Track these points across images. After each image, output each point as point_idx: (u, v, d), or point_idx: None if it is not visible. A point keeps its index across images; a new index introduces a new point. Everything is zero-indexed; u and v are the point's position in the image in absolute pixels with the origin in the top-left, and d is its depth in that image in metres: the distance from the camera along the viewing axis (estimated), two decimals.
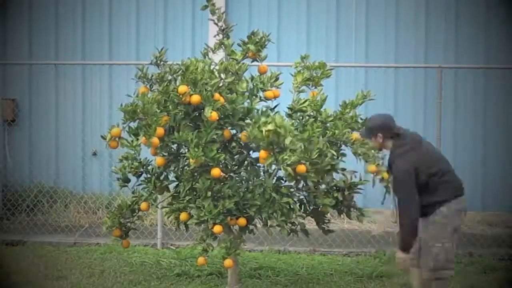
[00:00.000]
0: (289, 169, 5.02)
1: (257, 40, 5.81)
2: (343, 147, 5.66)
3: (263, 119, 5.17)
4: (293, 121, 5.54)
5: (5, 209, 8.95)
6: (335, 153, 5.41)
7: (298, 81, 5.69)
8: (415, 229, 5.03)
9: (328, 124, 5.57)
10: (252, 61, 5.96)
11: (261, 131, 5.05)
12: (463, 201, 5.13)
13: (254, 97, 5.68)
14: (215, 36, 5.98)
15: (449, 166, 5.24)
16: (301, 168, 5.08)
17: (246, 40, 5.86)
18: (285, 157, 5.02)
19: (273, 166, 5.66)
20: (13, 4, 9.86)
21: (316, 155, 5.16)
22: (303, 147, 5.14)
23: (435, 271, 5.04)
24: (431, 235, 5.04)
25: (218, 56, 5.99)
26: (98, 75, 9.60)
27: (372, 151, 5.31)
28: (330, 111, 5.68)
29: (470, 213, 8.87)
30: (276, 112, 5.58)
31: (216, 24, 5.93)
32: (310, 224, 6.53)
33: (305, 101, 5.56)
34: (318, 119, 5.60)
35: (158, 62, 5.80)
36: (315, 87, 5.77)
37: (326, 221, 5.94)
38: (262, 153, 5.20)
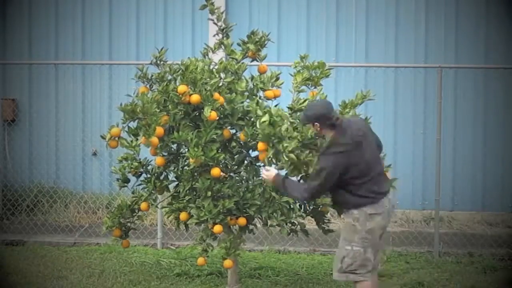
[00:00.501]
0: (291, 155, 5.02)
1: (257, 39, 5.81)
2: None
3: (258, 111, 5.18)
4: (293, 120, 5.53)
5: (5, 209, 8.95)
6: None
7: (298, 81, 5.69)
8: (287, 191, 5.11)
9: None
10: (252, 61, 5.96)
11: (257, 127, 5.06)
12: (380, 206, 4.93)
13: (253, 97, 5.68)
14: (214, 36, 5.98)
15: (379, 170, 5.03)
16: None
17: (246, 39, 5.86)
18: (285, 144, 5.02)
19: (273, 166, 5.67)
20: (13, 4, 9.86)
21: (311, 136, 5.12)
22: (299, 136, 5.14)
23: (341, 272, 4.99)
24: (342, 237, 5.02)
25: (218, 56, 5.99)
26: (98, 75, 9.59)
27: None
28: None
29: (470, 213, 8.95)
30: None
31: (216, 23, 5.93)
32: (310, 224, 6.53)
33: (305, 100, 5.56)
34: None
35: (158, 62, 5.80)
36: (315, 87, 5.78)
37: (326, 220, 5.94)
38: (260, 145, 5.16)
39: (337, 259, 5.03)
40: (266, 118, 5.09)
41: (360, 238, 4.90)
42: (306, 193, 5.00)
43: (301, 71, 5.72)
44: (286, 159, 5.06)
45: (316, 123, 4.95)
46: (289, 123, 5.13)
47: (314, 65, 5.75)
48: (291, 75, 5.78)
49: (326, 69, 5.76)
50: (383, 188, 5.01)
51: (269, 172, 5.18)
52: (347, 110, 5.70)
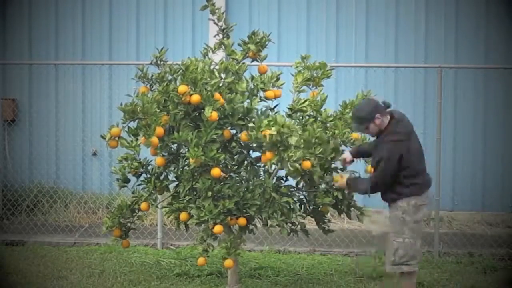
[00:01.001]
0: (296, 165, 5.03)
1: (258, 40, 5.81)
2: (343, 147, 5.66)
3: (265, 121, 5.14)
4: (293, 121, 5.53)
5: (5, 209, 8.95)
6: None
7: (298, 81, 5.69)
8: (363, 188, 5.28)
9: (328, 124, 5.58)
10: (252, 61, 5.96)
11: (265, 136, 5.04)
12: (425, 198, 5.20)
13: (254, 97, 5.67)
14: (215, 36, 5.97)
15: (424, 163, 5.29)
16: (307, 164, 5.11)
17: (247, 40, 5.85)
18: (291, 154, 5.03)
19: (273, 166, 5.67)
20: (13, 4, 9.86)
21: (319, 151, 5.17)
22: (303, 143, 5.15)
23: (394, 265, 5.17)
24: (393, 230, 5.18)
25: (218, 56, 5.99)
26: (98, 75, 9.60)
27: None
28: (330, 111, 5.68)
29: (470, 213, 8.95)
30: (275, 113, 5.58)
31: (216, 24, 5.92)
32: (310, 224, 6.53)
33: (305, 101, 5.56)
34: (318, 119, 5.60)
35: (158, 62, 5.80)
36: (316, 87, 5.77)
37: (326, 220, 5.94)
38: (268, 155, 5.15)
39: (389, 252, 5.19)
40: (274, 131, 5.03)
41: (409, 229, 5.11)
42: (370, 184, 5.18)
43: (302, 71, 5.72)
44: (291, 168, 5.06)
45: (377, 114, 5.12)
46: (298, 135, 5.11)
47: (315, 66, 5.76)
48: (292, 75, 5.78)
49: (327, 70, 5.76)
50: (427, 180, 5.26)
51: (342, 181, 5.40)
52: (347, 110, 5.71)
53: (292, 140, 5.04)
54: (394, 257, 5.15)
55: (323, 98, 5.71)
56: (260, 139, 5.09)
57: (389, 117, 5.22)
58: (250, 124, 5.30)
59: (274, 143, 5.07)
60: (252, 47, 5.79)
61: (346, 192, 5.59)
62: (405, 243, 5.12)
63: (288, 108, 5.67)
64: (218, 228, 5.44)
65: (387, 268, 5.25)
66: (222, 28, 5.93)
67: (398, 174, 5.09)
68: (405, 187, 5.11)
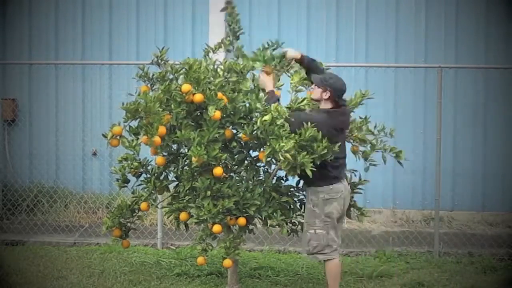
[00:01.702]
0: (287, 155, 5.04)
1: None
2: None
3: (258, 105, 5.37)
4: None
5: (5, 209, 8.95)
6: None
7: (295, 81, 5.69)
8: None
9: None
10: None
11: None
12: (335, 190, 5.38)
13: (256, 96, 5.66)
14: (226, 38, 5.99)
15: (343, 155, 5.45)
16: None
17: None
18: (282, 144, 5.04)
19: (273, 166, 5.67)
20: (13, 3, 9.86)
21: (308, 136, 5.17)
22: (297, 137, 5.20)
23: (310, 254, 5.46)
24: (305, 221, 5.48)
25: (217, 56, 5.99)
26: (98, 74, 9.59)
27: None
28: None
29: (470, 213, 8.95)
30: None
31: (229, 25, 5.95)
32: None
33: (303, 99, 5.55)
34: None
35: (159, 61, 5.80)
36: (313, 88, 5.77)
37: None
38: (263, 154, 5.27)
39: (304, 243, 5.52)
40: (268, 117, 5.15)
41: (320, 221, 5.38)
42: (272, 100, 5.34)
43: (299, 71, 5.72)
44: (282, 158, 5.08)
45: (330, 91, 5.33)
46: (283, 119, 5.21)
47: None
48: (288, 76, 5.77)
49: (325, 69, 5.76)
50: (339, 174, 5.45)
51: (263, 76, 5.55)
52: None
53: (279, 122, 5.15)
54: (308, 247, 5.44)
55: None
56: (254, 131, 5.22)
57: (332, 105, 5.40)
58: (246, 120, 5.36)
59: (267, 132, 5.18)
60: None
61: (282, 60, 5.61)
62: (317, 233, 5.39)
63: (287, 108, 5.66)
64: (217, 228, 5.44)
65: (305, 256, 5.64)
66: (235, 30, 5.95)
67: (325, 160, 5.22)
68: (319, 176, 5.27)
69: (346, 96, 5.77)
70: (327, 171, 5.34)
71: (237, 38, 5.96)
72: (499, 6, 9.09)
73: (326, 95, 5.37)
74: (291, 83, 5.71)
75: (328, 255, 5.42)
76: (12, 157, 9.61)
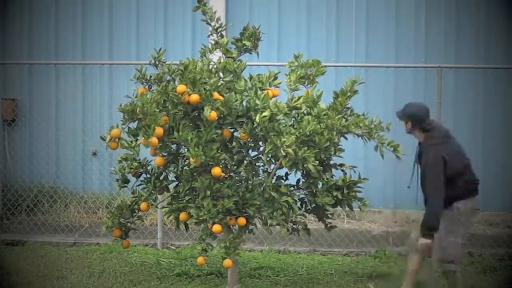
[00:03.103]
0: (289, 150, 5.04)
1: (249, 33, 5.83)
2: (342, 144, 5.65)
3: (257, 101, 5.32)
4: (287, 119, 5.51)
5: (5, 209, 8.95)
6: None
7: (292, 80, 5.68)
8: (438, 219, 5.22)
9: (321, 117, 5.53)
10: (248, 52, 5.96)
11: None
12: (478, 201, 5.37)
13: (255, 95, 5.65)
14: (209, 36, 6.00)
15: (470, 165, 5.48)
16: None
17: (239, 37, 5.88)
18: (283, 139, 5.04)
19: (272, 166, 5.67)
20: (13, 4, 9.86)
21: (310, 131, 5.18)
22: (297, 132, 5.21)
23: (443, 263, 5.28)
24: (445, 229, 5.24)
25: (216, 56, 6.00)
26: (98, 75, 9.60)
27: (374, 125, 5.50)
28: (324, 106, 5.64)
29: None
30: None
31: (209, 24, 5.94)
32: (310, 224, 6.54)
33: (299, 98, 5.54)
34: (313, 114, 5.56)
35: (156, 62, 5.80)
36: (310, 85, 5.76)
37: (330, 215, 5.91)
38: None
39: (438, 250, 5.30)
40: (267, 113, 5.18)
41: (462, 230, 5.31)
42: (433, 203, 5.29)
43: (295, 69, 5.71)
44: (284, 154, 5.07)
45: (409, 122, 5.40)
46: (282, 115, 5.22)
47: (309, 63, 5.74)
48: (285, 74, 5.77)
49: (321, 67, 5.75)
50: (477, 184, 5.45)
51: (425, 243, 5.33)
52: (339, 99, 5.67)
53: (278, 117, 5.17)
54: (444, 255, 5.29)
55: (319, 94, 5.68)
56: (254, 129, 5.20)
57: (424, 134, 5.43)
58: (245, 118, 5.36)
59: (266, 129, 5.16)
60: (247, 43, 5.81)
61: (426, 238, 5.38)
62: (456, 242, 5.31)
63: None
64: (216, 228, 5.44)
65: (434, 264, 5.44)
66: (216, 27, 5.94)
67: (453, 176, 5.27)
68: (461, 188, 5.32)
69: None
70: (467, 181, 5.37)
71: (221, 35, 5.95)
72: (499, 6, 9.08)
73: (409, 126, 5.47)
74: (287, 82, 5.70)
75: (458, 266, 5.34)
76: (12, 157, 9.61)
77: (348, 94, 5.69)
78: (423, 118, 5.40)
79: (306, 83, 5.76)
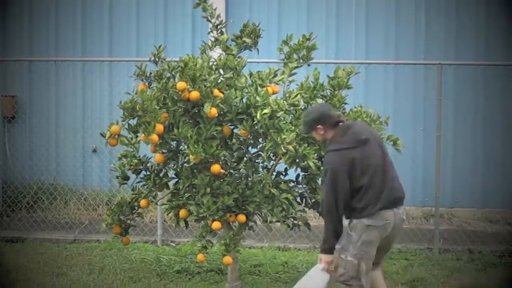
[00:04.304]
0: (290, 147, 5.04)
1: (249, 30, 5.83)
2: None
3: (258, 98, 5.28)
4: (286, 115, 5.50)
5: (5, 206, 8.96)
6: None
7: (286, 73, 5.69)
8: (337, 232, 4.68)
9: None
10: (248, 49, 5.96)
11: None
12: (381, 217, 4.60)
13: (255, 92, 5.65)
14: (209, 33, 6.00)
15: (386, 177, 4.62)
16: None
17: (239, 34, 5.88)
18: (283, 136, 5.04)
19: (272, 162, 5.67)
20: (13, 1, 9.85)
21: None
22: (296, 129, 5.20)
23: (336, 281, 4.65)
24: (341, 245, 4.64)
25: (216, 53, 6.00)
26: (98, 71, 9.60)
27: None
28: (320, 101, 5.63)
29: (470, 210, 8.95)
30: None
31: (209, 21, 5.94)
32: (310, 221, 6.52)
33: (296, 94, 5.53)
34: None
35: (156, 59, 5.80)
36: (308, 65, 5.75)
37: None
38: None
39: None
40: (268, 110, 5.15)
41: (358, 248, 4.59)
42: (324, 205, 4.65)
43: (287, 64, 5.70)
44: (284, 150, 5.08)
45: (318, 126, 4.68)
46: (282, 111, 5.20)
47: (300, 44, 5.75)
48: (282, 64, 5.76)
49: (312, 44, 5.75)
50: (390, 199, 4.63)
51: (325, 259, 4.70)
52: (335, 92, 5.67)
53: (279, 114, 5.12)
54: (335, 273, 4.65)
55: (316, 74, 5.65)
56: (254, 126, 5.18)
57: (335, 130, 4.69)
58: (245, 115, 5.36)
59: (267, 126, 5.14)
60: (247, 40, 5.81)
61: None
62: (347, 261, 4.59)
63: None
64: (216, 225, 5.44)
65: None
66: (216, 24, 5.94)
67: (356, 189, 4.55)
68: (362, 203, 4.61)
69: (347, 94, 5.75)
70: (371, 197, 4.59)
71: (221, 32, 5.95)
72: (499, 3, 9.08)
73: (321, 130, 4.71)
74: (283, 76, 5.69)
75: None
76: (12, 154, 9.61)
77: (342, 83, 5.64)
78: (329, 114, 4.72)
79: (303, 60, 5.75)
